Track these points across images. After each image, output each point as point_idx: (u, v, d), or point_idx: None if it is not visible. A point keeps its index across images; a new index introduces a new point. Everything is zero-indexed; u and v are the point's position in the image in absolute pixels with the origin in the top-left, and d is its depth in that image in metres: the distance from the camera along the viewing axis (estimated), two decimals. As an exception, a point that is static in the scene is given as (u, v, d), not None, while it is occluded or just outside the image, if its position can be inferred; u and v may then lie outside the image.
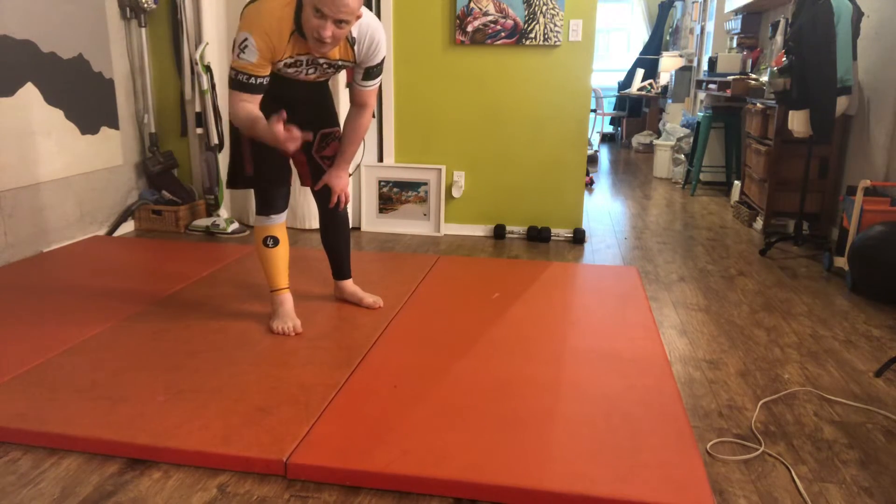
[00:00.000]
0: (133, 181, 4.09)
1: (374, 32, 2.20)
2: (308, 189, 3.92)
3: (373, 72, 2.29)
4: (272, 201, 2.36)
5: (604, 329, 2.47)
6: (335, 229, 2.60)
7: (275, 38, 2.04)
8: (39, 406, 1.85)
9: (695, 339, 2.48)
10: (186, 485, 1.58)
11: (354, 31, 2.16)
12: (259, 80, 2.10)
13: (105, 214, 3.87)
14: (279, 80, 2.23)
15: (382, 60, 2.28)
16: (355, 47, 2.19)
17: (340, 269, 2.69)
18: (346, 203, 2.49)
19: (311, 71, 2.22)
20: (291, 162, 2.48)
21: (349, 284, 2.70)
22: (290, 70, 2.19)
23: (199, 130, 3.98)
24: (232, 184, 2.39)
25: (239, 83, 2.08)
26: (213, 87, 3.85)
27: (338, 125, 2.49)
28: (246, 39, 2.02)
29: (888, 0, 3.46)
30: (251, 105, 2.11)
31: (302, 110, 2.38)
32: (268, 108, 2.27)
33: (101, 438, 1.70)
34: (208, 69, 3.81)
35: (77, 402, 1.88)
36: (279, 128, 1.94)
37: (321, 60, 2.18)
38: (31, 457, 1.69)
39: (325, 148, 2.46)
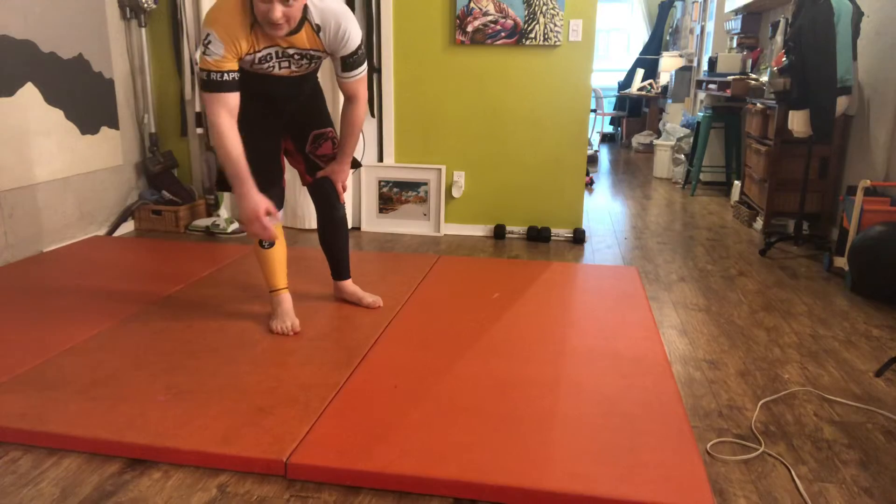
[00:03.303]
0: (133, 181, 4.09)
1: (340, 18, 2.13)
2: (308, 189, 3.93)
3: (350, 62, 2.22)
4: (271, 201, 2.35)
5: (604, 329, 2.47)
6: (333, 230, 2.59)
7: (236, 29, 2.03)
8: (39, 406, 1.85)
9: (695, 339, 2.48)
10: (186, 485, 1.58)
11: (317, 17, 2.11)
12: (231, 76, 2.05)
13: (105, 214, 3.87)
14: (259, 79, 2.21)
15: (359, 49, 2.21)
16: (321, 35, 2.15)
17: (339, 270, 2.68)
18: (343, 191, 2.48)
19: (283, 64, 2.18)
20: (286, 162, 2.48)
21: (349, 284, 2.70)
22: (264, 66, 2.16)
23: (199, 130, 3.98)
24: (222, 186, 2.36)
25: (211, 83, 2.04)
26: (213, 87, 3.84)
27: (331, 126, 2.47)
28: (208, 35, 2.02)
29: (888, 0, 3.46)
30: (228, 123, 2.05)
31: (288, 110, 2.36)
32: (251, 109, 2.27)
33: (101, 438, 1.70)
34: (208, 69, 3.81)
35: (77, 402, 1.88)
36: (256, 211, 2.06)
37: (291, 51, 2.15)
38: (31, 457, 1.69)
39: (318, 148, 2.45)
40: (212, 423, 1.77)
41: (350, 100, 2.34)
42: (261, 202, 2.05)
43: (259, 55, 2.12)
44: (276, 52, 2.14)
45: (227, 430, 1.74)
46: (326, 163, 2.47)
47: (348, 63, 2.23)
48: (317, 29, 2.14)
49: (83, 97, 3.64)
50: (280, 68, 2.19)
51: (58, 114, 3.48)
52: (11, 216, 3.24)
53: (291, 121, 2.40)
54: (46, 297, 2.72)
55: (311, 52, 2.19)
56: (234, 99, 2.08)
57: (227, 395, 1.93)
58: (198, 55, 3.74)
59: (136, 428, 1.74)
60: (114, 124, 3.89)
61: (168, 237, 3.85)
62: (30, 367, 2.10)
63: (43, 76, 3.37)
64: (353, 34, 2.17)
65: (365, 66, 2.29)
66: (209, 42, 2.02)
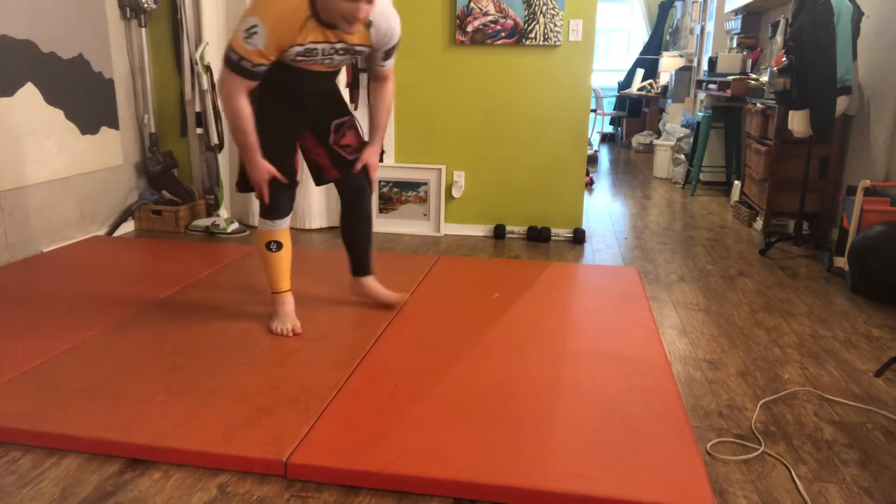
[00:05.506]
0: (133, 181, 4.09)
1: (390, 17, 2.19)
2: (309, 189, 3.93)
3: (391, 52, 2.32)
4: (278, 204, 2.33)
5: (604, 329, 2.47)
6: (358, 223, 2.53)
7: (286, 26, 2.00)
8: (39, 406, 1.85)
9: (695, 339, 2.48)
10: (186, 485, 1.58)
11: (370, 14, 2.12)
12: (261, 68, 2.05)
13: (105, 214, 3.88)
14: (289, 70, 2.17)
15: (398, 42, 2.30)
16: (371, 30, 2.16)
17: (361, 264, 2.62)
18: (374, 180, 2.50)
19: (326, 60, 2.17)
20: (303, 160, 2.45)
21: (370, 281, 2.63)
22: (302, 59, 2.12)
23: (199, 130, 3.97)
24: (244, 187, 2.35)
25: (240, 67, 2.03)
26: (213, 87, 3.85)
27: (350, 114, 2.46)
28: (255, 26, 1.96)
29: (888, 0, 3.46)
30: (244, 100, 2.10)
31: (312, 102, 2.34)
32: (274, 106, 2.26)
33: (101, 438, 1.70)
34: (208, 69, 3.81)
35: (77, 402, 1.88)
36: (264, 168, 2.21)
37: (339, 46, 2.13)
38: (31, 457, 1.69)
39: (342, 137, 2.42)
40: (212, 423, 1.77)
41: (384, 80, 2.41)
42: (267, 167, 2.22)
43: (305, 48, 2.08)
44: (324, 49, 2.12)
45: (227, 430, 1.74)
46: (350, 153, 2.43)
47: (388, 54, 2.31)
48: (367, 24, 2.14)
49: (83, 97, 3.64)
50: (322, 63, 2.18)
51: (58, 114, 3.48)
52: (11, 216, 3.24)
53: (312, 114, 2.37)
54: (46, 297, 2.72)
55: (357, 47, 2.19)
56: (252, 86, 2.10)
57: (227, 395, 1.93)
58: (198, 54, 3.75)
59: (136, 428, 1.74)
60: (114, 124, 3.89)
61: (168, 237, 3.85)
62: (30, 367, 2.10)
63: (43, 76, 3.37)
64: (398, 31, 2.25)
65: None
66: (254, 33, 1.97)
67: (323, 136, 2.40)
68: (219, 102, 2.19)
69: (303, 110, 2.34)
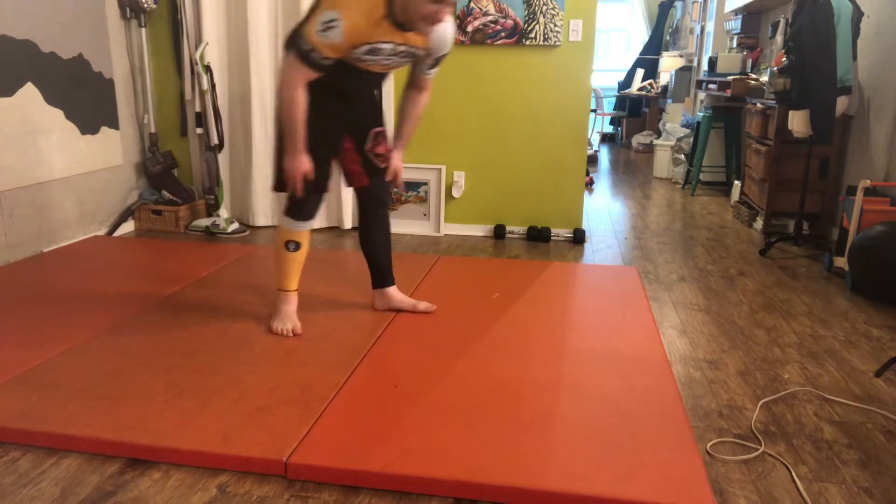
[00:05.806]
0: (133, 181, 4.09)
1: (448, 25, 2.23)
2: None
3: (440, 60, 2.34)
4: (308, 206, 2.33)
5: (604, 329, 2.47)
6: (379, 229, 2.53)
7: (365, 24, 2.00)
8: (39, 406, 1.85)
9: (695, 339, 2.48)
10: (186, 485, 1.58)
11: None
12: (328, 62, 2.06)
13: (105, 214, 3.88)
14: (346, 68, 2.16)
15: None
16: (432, 35, 2.19)
17: (383, 275, 2.59)
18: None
19: (385, 61, 2.17)
20: (335, 167, 2.45)
21: (396, 291, 2.62)
22: (367, 57, 2.12)
23: (199, 130, 3.97)
24: (279, 187, 2.33)
25: (308, 58, 2.03)
26: (213, 87, 3.85)
27: (385, 124, 2.47)
28: (335, 20, 1.96)
29: (888, 0, 3.46)
30: (303, 90, 2.09)
31: (361, 104, 2.36)
32: (325, 107, 2.25)
33: (101, 438, 1.70)
34: (208, 69, 3.81)
35: (77, 402, 1.88)
36: (304, 166, 2.19)
37: (402, 48, 2.14)
38: (31, 457, 1.69)
39: (377, 146, 2.43)
40: (212, 423, 1.77)
41: (422, 90, 2.43)
42: (305, 163, 2.20)
43: (372, 46, 2.08)
44: (389, 49, 2.12)
45: (227, 430, 1.74)
46: (382, 163, 2.45)
47: (437, 62, 2.34)
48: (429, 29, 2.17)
49: (83, 97, 3.64)
50: (383, 63, 2.18)
51: (58, 114, 3.48)
52: (11, 216, 3.24)
53: (359, 117, 2.38)
54: (46, 297, 2.72)
55: (416, 50, 2.21)
56: (314, 77, 2.10)
57: (227, 395, 1.93)
58: (198, 55, 3.75)
59: (136, 428, 1.74)
60: (114, 124, 3.89)
61: (168, 237, 3.85)
62: (30, 367, 2.10)
63: (43, 76, 3.37)
64: (451, 41, 2.28)
65: None
66: (332, 27, 1.96)
67: (360, 142, 2.41)
68: (278, 89, 2.16)
69: (352, 112, 2.34)
